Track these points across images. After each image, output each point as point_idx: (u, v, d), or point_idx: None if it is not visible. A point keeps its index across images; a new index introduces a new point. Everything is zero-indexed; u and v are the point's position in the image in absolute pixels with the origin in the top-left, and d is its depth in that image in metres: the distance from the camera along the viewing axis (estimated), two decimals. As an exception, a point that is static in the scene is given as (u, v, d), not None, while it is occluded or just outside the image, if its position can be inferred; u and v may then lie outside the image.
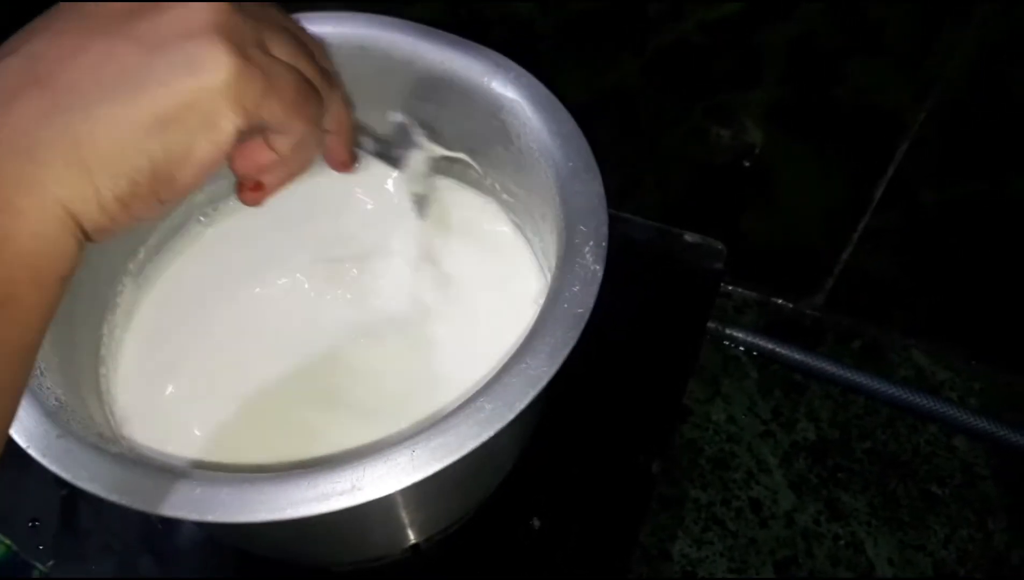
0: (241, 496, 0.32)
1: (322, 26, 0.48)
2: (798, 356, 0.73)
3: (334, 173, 0.42)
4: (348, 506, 0.32)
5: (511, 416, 0.34)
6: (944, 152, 0.60)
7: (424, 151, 0.48)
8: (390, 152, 0.48)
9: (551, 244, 0.43)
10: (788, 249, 0.73)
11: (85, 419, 0.37)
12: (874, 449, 0.70)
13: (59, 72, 0.26)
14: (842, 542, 0.66)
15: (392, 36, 0.47)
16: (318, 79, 0.32)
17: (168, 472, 0.34)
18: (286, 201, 0.50)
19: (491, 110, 0.45)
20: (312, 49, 0.33)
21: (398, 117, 0.48)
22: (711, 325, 0.74)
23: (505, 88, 0.45)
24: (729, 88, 0.62)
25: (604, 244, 0.39)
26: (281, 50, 0.30)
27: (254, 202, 0.35)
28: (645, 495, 0.54)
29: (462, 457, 0.33)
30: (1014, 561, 0.64)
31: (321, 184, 0.46)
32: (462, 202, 0.52)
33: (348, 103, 0.38)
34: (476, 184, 0.52)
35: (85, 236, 0.26)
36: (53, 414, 0.35)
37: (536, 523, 0.51)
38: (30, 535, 0.50)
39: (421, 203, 0.50)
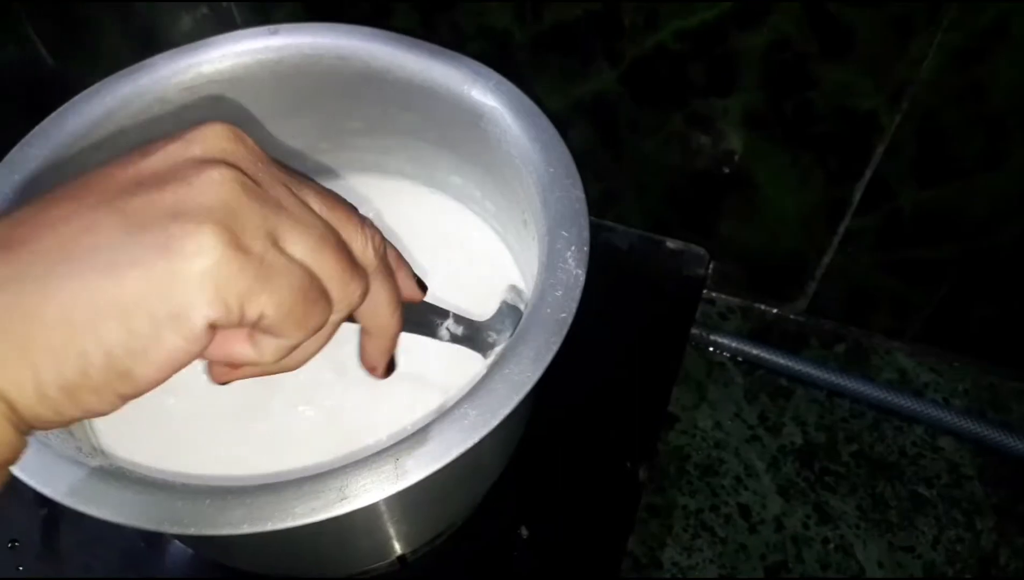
0: (224, 508, 0.32)
1: (301, 37, 0.48)
2: (783, 361, 0.73)
3: None
4: (333, 516, 0.32)
5: (495, 422, 0.34)
6: (921, 153, 0.60)
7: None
8: (483, 337, 0.42)
9: (533, 250, 0.43)
10: (770, 254, 0.73)
11: (63, 432, 0.37)
12: (861, 452, 0.70)
13: (33, 240, 0.23)
14: (831, 545, 0.66)
15: (371, 46, 0.47)
16: (339, 279, 0.27)
17: (148, 485, 0.33)
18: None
19: (471, 118, 0.45)
20: (345, 235, 0.28)
21: (509, 297, 0.45)
22: (695, 332, 0.74)
23: (485, 96, 0.45)
24: (707, 95, 0.63)
25: (586, 249, 0.39)
26: (300, 244, 0.26)
27: (218, 379, 0.30)
28: (633, 502, 0.53)
29: (447, 464, 0.33)
30: (1002, 560, 0.65)
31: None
32: (442, 210, 0.52)
33: (396, 306, 0.32)
34: (457, 192, 0.52)
35: (26, 424, 0.23)
36: (31, 429, 0.34)
37: (524, 532, 0.50)
38: (9, 556, 0.49)
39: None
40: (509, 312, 0.44)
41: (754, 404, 0.73)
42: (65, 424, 0.24)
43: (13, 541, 0.50)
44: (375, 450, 0.34)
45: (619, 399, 0.56)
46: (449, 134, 0.48)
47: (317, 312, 0.27)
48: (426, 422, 0.34)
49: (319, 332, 0.28)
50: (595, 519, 0.52)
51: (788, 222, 0.70)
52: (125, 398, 0.24)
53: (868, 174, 0.62)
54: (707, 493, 0.68)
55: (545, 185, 0.42)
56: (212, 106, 0.48)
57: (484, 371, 0.36)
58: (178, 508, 0.32)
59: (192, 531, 0.32)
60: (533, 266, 0.42)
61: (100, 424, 0.44)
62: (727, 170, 0.67)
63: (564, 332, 0.36)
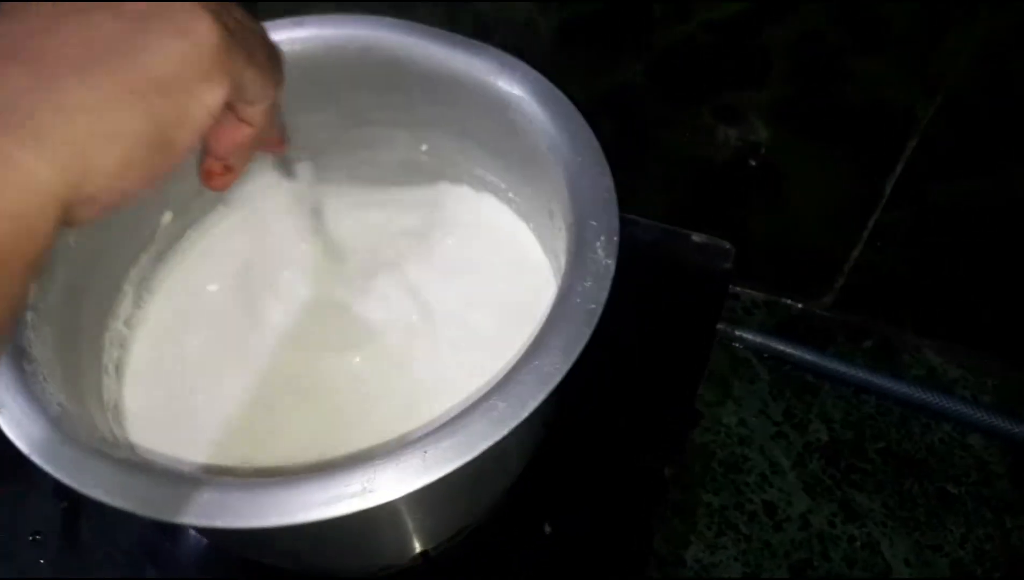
0: (251, 501, 0.32)
1: (325, 29, 0.47)
2: (809, 357, 0.72)
3: None
4: (360, 509, 0.32)
5: (525, 414, 0.33)
6: (954, 147, 0.59)
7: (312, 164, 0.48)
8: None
9: (561, 241, 0.42)
10: (796, 248, 0.72)
11: (89, 425, 0.37)
12: (888, 449, 0.69)
13: (36, 47, 0.25)
14: (858, 543, 0.65)
15: (397, 37, 0.47)
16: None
17: (175, 477, 0.33)
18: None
19: (498, 108, 0.45)
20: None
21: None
22: (720, 327, 0.73)
23: (512, 86, 0.44)
24: (735, 87, 0.62)
25: (615, 238, 0.38)
26: (243, 21, 0.30)
27: (223, 186, 0.35)
28: (658, 499, 0.53)
29: (475, 457, 0.32)
30: (1033, 560, 0.64)
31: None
32: (468, 202, 0.52)
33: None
34: (481, 184, 0.52)
35: (67, 217, 0.25)
36: (56, 421, 0.34)
37: (548, 529, 0.50)
38: (32, 550, 0.49)
39: (317, 216, 0.49)
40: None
41: (779, 401, 0.72)
42: (102, 211, 0.26)
43: (35, 534, 0.50)
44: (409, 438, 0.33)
45: (644, 395, 0.56)
46: (474, 125, 0.48)
47: (280, 67, 0.32)
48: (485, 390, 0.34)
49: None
50: (619, 516, 0.51)
51: (816, 216, 0.69)
52: (160, 172, 0.27)
53: (900, 168, 0.61)
54: (731, 490, 0.67)
55: (573, 174, 0.41)
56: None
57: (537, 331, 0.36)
58: (204, 501, 0.32)
59: (219, 524, 0.31)
60: (560, 256, 0.41)
61: (127, 416, 0.44)
62: (754, 163, 0.66)
63: (594, 323, 0.36)
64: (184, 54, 0.26)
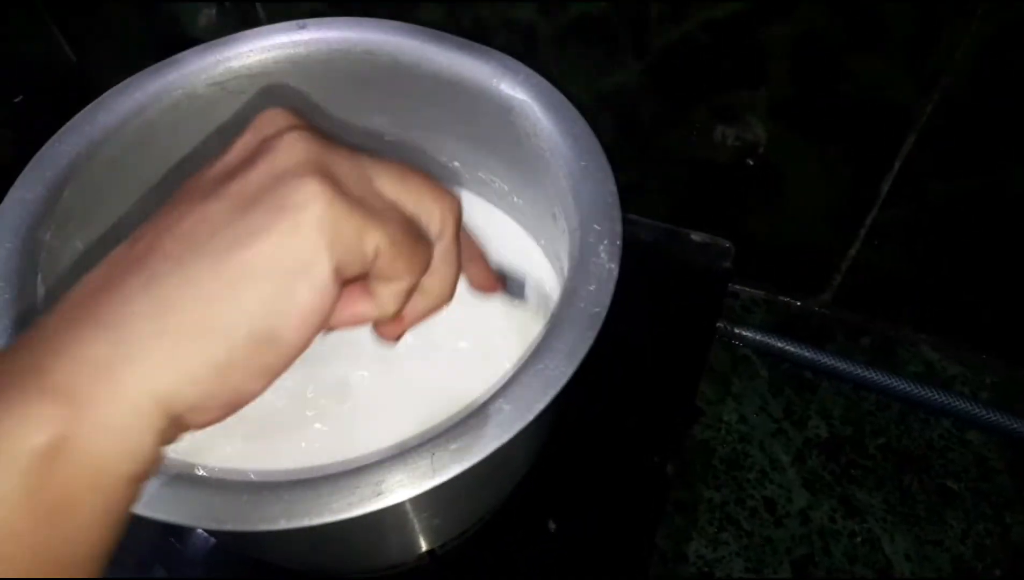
0: (260, 504, 0.32)
1: (329, 32, 0.48)
2: (808, 354, 0.73)
3: None
4: (369, 511, 0.32)
5: (531, 417, 0.34)
6: (952, 144, 0.59)
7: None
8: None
9: (563, 245, 0.42)
10: (795, 247, 0.73)
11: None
12: (888, 445, 0.69)
13: (158, 245, 0.24)
14: (859, 539, 0.65)
15: (399, 40, 0.47)
16: (435, 221, 0.28)
17: (183, 480, 0.33)
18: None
19: (500, 112, 0.45)
20: (423, 189, 0.28)
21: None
22: (719, 325, 0.74)
23: (514, 90, 0.45)
24: (733, 87, 0.62)
25: (619, 242, 0.39)
26: (389, 184, 0.27)
27: (389, 337, 0.32)
28: (661, 496, 0.53)
29: (482, 459, 0.33)
30: (1032, 555, 0.64)
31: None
32: (470, 207, 0.52)
33: (456, 275, 0.32)
34: (483, 189, 0.52)
35: (175, 426, 0.23)
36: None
37: (552, 526, 0.50)
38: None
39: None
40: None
41: (779, 398, 0.72)
42: (212, 416, 0.24)
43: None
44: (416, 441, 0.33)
45: (646, 393, 0.56)
46: (476, 129, 0.48)
47: (422, 248, 0.28)
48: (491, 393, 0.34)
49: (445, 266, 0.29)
50: (623, 513, 0.51)
51: (814, 214, 0.69)
52: (272, 370, 0.25)
53: (897, 166, 0.62)
54: (732, 487, 0.68)
55: (577, 179, 0.41)
56: (240, 102, 0.48)
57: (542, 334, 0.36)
58: (214, 504, 0.32)
59: (228, 527, 0.32)
60: (563, 260, 0.42)
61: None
62: (752, 163, 0.66)
63: (598, 327, 0.36)
64: (281, 232, 0.23)
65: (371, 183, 0.26)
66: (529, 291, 0.44)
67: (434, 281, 0.30)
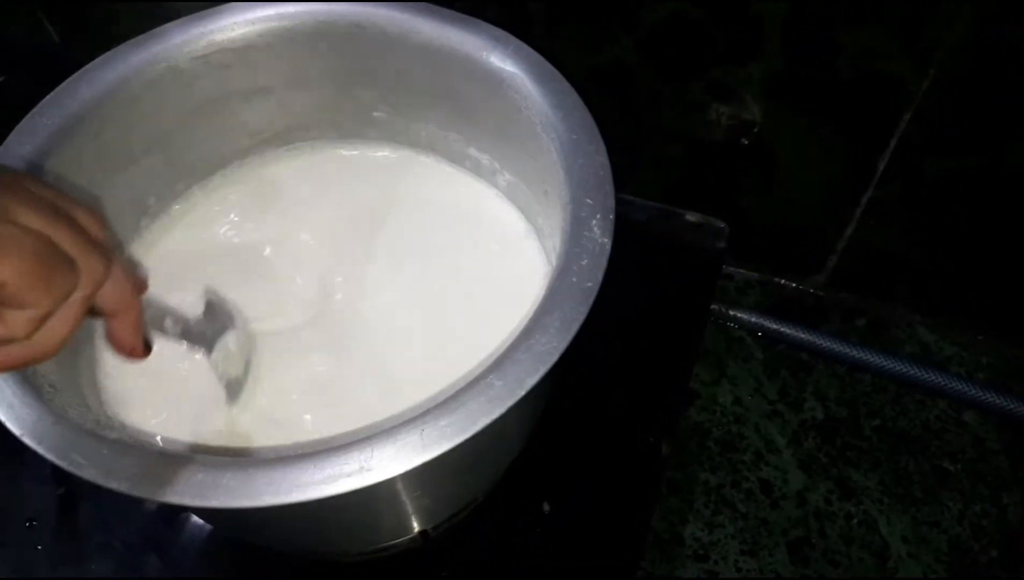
0: (245, 480, 0.31)
1: (315, 4, 0.47)
2: (803, 335, 0.72)
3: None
4: (357, 488, 0.31)
5: (522, 392, 0.33)
6: (949, 120, 0.59)
7: (236, 330, 0.44)
8: (199, 332, 0.42)
9: (556, 220, 0.42)
10: (790, 227, 0.72)
11: (81, 405, 0.36)
12: (883, 426, 0.69)
13: None
14: (855, 521, 0.65)
15: (387, 12, 0.46)
16: (79, 250, 0.28)
17: (168, 457, 0.32)
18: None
19: (490, 85, 0.44)
20: (78, 219, 0.29)
21: (210, 296, 0.45)
22: (714, 307, 0.73)
23: (504, 62, 0.44)
24: (727, 62, 0.61)
25: (611, 216, 0.38)
26: (29, 217, 0.27)
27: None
28: (655, 477, 0.53)
29: (473, 435, 0.32)
30: (1029, 535, 0.64)
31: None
32: (457, 183, 0.51)
33: (135, 281, 0.33)
34: (473, 165, 0.51)
35: None
36: (48, 400, 0.34)
37: (546, 507, 0.50)
38: (27, 536, 0.49)
39: (233, 388, 0.44)
40: (218, 307, 0.44)
41: (774, 379, 0.72)
42: None
43: (31, 520, 0.49)
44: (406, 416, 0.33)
45: (640, 374, 0.56)
46: (466, 103, 0.47)
47: (60, 277, 0.28)
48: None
49: (69, 308, 0.29)
50: (618, 495, 0.51)
51: (809, 193, 0.68)
52: None
53: (893, 143, 0.61)
54: (728, 469, 0.67)
55: (568, 152, 0.41)
56: (223, 76, 0.47)
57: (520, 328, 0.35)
58: (198, 481, 0.31)
59: (213, 504, 0.31)
60: (555, 236, 0.41)
61: (119, 396, 0.43)
62: (745, 141, 0.66)
63: (590, 301, 0.35)
64: None
65: (16, 213, 0.27)
66: (218, 353, 0.42)
67: (120, 295, 0.31)
